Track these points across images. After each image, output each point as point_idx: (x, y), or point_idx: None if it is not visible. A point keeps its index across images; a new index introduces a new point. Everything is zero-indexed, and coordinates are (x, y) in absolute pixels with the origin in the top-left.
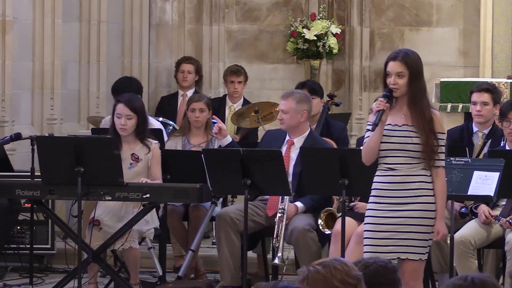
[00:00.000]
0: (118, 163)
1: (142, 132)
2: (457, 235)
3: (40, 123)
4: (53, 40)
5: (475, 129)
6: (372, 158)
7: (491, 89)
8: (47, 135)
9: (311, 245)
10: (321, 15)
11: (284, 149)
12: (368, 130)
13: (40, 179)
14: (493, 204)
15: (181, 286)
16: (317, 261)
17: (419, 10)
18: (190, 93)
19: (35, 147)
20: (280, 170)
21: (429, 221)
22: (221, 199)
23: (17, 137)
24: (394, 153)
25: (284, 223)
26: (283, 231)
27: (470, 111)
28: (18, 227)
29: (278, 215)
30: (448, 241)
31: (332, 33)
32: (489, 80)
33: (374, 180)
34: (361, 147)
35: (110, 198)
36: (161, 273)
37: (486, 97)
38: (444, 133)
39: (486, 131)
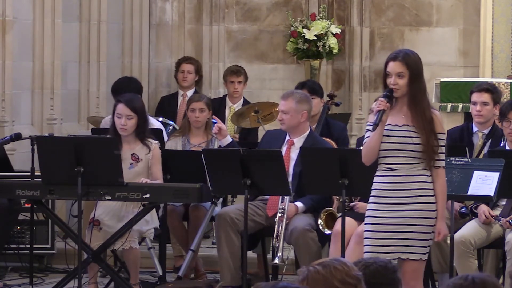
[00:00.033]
0: (118, 163)
1: (143, 132)
2: (457, 235)
3: (40, 123)
4: (53, 40)
5: (475, 129)
6: (372, 158)
7: (491, 89)
8: (47, 135)
9: (311, 245)
10: (321, 15)
11: (284, 149)
12: (368, 130)
13: (40, 179)
14: (493, 204)
15: (181, 286)
16: (317, 261)
17: (419, 10)
18: (190, 93)
19: (35, 147)
20: (280, 170)
21: (430, 221)
22: (221, 199)
23: (17, 137)
24: (394, 153)
25: (284, 223)
26: (283, 231)
27: (470, 111)
28: (18, 227)
29: (278, 215)
30: (448, 241)
31: (332, 33)
32: (489, 80)
33: (374, 180)
34: (361, 147)
35: (110, 198)
36: (161, 273)
37: (486, 97)
38: (444, 134)
39: (486, 131)
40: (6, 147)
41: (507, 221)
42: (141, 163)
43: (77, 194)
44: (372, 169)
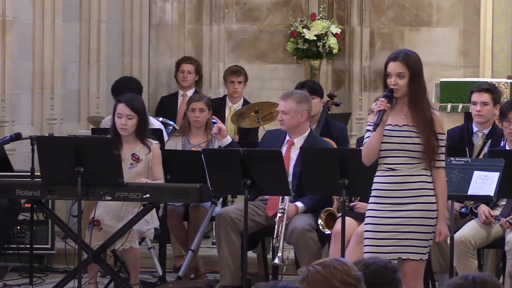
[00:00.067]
0: (118, 163)
1: (143, 132)
2: (457, 235)
3: (40, 123)
4: (53, 40)
5: (475, 129)
6: (373, 158)
7: (491, 89)
8: (47, 135)
9: (311, 245)
10: (321, 15)
11: (284, 149)
12: (368, 130)
13: (40, 179)
14: (493, 204)
15: (181, 286)
16: (317, 261)
17: (419, 10)
18: (190, 93)
19: (35, 147)
20: (280, 170)
21: (430, 221)
22: (221, 199)
23: (17, 137)
24: (394, 153)
25: (284, 223)
26: (283, 231)
27: (470, 111)
28: (18, 227)
29: (278, 215)
30: (448, 241)
31: (332, 33)
32: (489, 80)
33: (374, 181)
34: (361, 147)
35: (110, 198)
36: (161, 273)
37: (486, 97)
38: (444, 134)
39: (486, 131)
40: (6, 147)
41: (507, 221)
42: (141, 163)
43: (77, 194)
44: (372, 169)
